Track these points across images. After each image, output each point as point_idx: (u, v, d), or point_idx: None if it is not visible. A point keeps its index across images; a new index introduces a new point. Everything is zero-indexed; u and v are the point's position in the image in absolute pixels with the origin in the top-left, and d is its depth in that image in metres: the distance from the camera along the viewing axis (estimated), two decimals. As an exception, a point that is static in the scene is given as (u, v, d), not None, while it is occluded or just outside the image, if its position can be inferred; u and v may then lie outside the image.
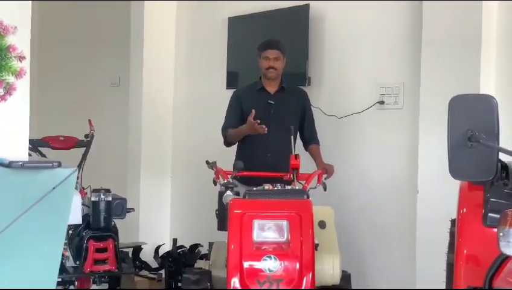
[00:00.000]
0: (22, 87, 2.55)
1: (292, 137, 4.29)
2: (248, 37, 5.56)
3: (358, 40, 5.15)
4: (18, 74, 2.39)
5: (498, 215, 2.31)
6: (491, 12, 4.38)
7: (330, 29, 5.30)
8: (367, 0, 5.05)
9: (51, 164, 2.27)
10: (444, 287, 3.14)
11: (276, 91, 4.83)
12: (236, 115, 4.85)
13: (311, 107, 4.96)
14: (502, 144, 2.50)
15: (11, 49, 2.36)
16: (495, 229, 2.31)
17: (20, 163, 2.26)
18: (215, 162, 4.52)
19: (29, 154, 4.04)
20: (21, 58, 2.42)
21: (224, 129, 4.86)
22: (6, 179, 2.23)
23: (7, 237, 2.15)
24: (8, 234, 2.15)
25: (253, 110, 4.51)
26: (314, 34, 5.30)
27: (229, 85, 5.82)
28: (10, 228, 2.13)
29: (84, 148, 4.86)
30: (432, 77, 4.54)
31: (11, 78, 2.39)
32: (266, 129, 4.49)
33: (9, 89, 2.39)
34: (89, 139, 4.88)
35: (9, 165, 2.22)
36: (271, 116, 4.73)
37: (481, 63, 4.31)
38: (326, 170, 4.59)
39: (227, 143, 4.89)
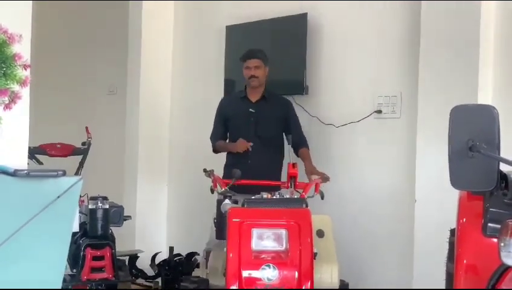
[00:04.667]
0: (24, 95, 2.56)
1: (290, 145, 4.33)
2: (246, 46, 5.54)
3: (356, 49, 5.16)
4: (23, 83, 2.40)
5: (498, 225, 2.32)
6: (488, 17, 4.39)
7: (328, 38, 5.32)
8: (365, 10, 5.07)
9: (55, 173, 2.26)
10: (443, 297, 3.14)
11: (258, 100, 4.96)
12: (221, 123, 5.04)
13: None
14: (500, 151, 2.51)
15: (16, 58, 2.36)
16: (494, 239, 2.32)
17: (25, 171, 2.25)
18: (213, 170, 4.54)
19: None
20: (26, 66, 2.42)
21: (212, 138, 5.04)
22: (11, 188, 2.22)
23: (11, 245, 2.15)
24: (12, 242, 2.14)
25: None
26: (312, 43, 5.31)
27: (226, 93, 5.82)
28: (14, 237, 2.13)
29: (81, 156, 4.86)
30: (430, 86, 4.55)
31: (16, 87, 2.40)
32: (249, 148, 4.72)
33: (14, 98, 2.40)
34: (86, 146, 4.89)
35: (14, 173, 2.21)
36: (251, 124, 4.87)
37: (479, 71, 4.32)
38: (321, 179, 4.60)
39: (216, 151, 5.06)
